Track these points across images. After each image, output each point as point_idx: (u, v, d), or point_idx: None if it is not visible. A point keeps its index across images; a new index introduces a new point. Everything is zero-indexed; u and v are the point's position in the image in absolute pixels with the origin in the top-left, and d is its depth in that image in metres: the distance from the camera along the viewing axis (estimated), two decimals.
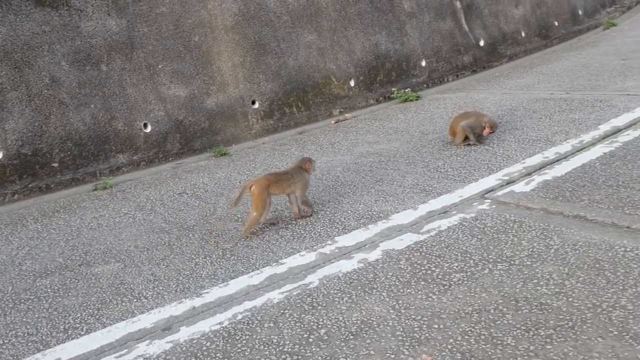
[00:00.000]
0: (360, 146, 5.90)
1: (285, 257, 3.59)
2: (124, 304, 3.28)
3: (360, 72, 7.84)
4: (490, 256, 3.26)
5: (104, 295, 3.41)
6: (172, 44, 6.44)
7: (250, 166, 5.71)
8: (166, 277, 3.53)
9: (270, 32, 7.17)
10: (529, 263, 3.13)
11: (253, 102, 6.94)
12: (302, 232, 3.95)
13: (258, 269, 3.49)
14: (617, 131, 5.10)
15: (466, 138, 5.33)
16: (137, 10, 6.28)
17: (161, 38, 6.38)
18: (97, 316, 3.18)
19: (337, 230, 3.90)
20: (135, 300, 3.30)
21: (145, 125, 6.19)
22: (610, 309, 2.63)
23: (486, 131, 5.29)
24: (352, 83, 7.74)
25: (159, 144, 6.24)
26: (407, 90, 8.01)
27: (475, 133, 5.29)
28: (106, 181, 5.60)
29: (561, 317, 2.63)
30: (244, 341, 2.77)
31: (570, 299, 2.75)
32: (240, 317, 2.99)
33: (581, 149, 4.78)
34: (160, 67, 6.36)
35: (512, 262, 3.16)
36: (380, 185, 4.65)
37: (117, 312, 3.19)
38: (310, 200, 4.36)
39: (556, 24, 10.98)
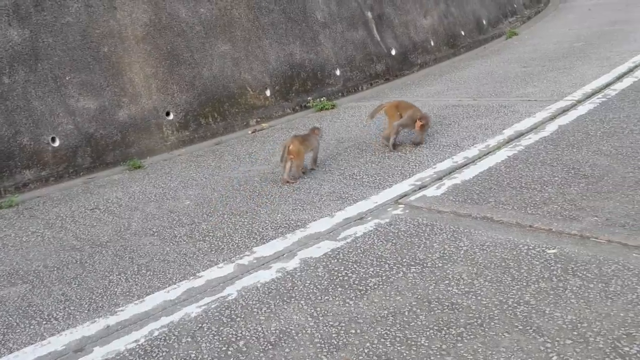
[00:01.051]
0: (277, 156, 5.92)
1: (203, 270, 3.55)
2: (32, 327, 3.14)
3: (276, 81, 7.88)
4: (404, 260, 3.36)
5: (11, 318, 3.24)
6: (80, 55, 6.23)
7: (166, 179, 5.60)
8: (78, 297, 3.40)
9: (183, 43, 7.08)
10: (440, 265, 3.25)
11: (167, 114, 6.82)
12: (220, 243, 3.92)
13: (175, 284, 3.43)
14: (519, 135, 5.38)
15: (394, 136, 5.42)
16: (41, 20, 6.04)
17: (68, 49, 6.16)
18: (3, 341, 3.02)
19: (255, 240, 3.89)
20: (44, 322, 3.16)
21: (53, 140, 5.94)
22: (516, 305, 2.78)
23: (418, 125, 5.39)
24: (268, 93, 7.76)
25: (69, 158, 6.01)
26: (322, 99, 8.11)
27: (400, 131, 5.48)
28: (12, 199, 5.34)
29: (471, 315, 2.75)
30: (161, 358, 2.72)
31: (479, 298, 2.88)
32: (156, 333, 2.93)
33: (487, 153, 5.01)
34: (67, 78, 6.13)
35: (424, 265, 3.27)
36: (298, 194, 4.69)
37: (24, 335, 3.05)
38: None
39: (463, 33, 11.46)
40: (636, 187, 3.85)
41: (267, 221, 4.20)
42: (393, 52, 9.60)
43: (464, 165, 4.81)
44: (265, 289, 3.24)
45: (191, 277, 3.47)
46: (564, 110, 5.96)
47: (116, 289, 3.44)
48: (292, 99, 8.02)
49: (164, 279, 3.51)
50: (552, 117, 5.79)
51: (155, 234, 4.20)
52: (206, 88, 7.16)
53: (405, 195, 4.35)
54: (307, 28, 8.49)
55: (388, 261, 3.36)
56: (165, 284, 3.44)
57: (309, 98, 8.12)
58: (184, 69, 7.01)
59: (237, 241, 3.92)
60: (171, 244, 4.02)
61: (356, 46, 9.05)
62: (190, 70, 7.06)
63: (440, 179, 4.58)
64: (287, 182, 4.99)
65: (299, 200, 4.52)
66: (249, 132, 7.18)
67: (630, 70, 7.28)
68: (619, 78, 6.99)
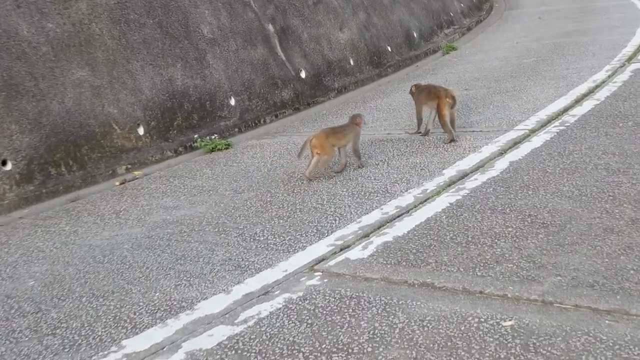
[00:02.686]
0: (154, 214, 5.80)
1: None
2: None
3: (152, 115, 7.79)
4: (324, 346, 3.32)
5: None
6: None
7: (1, 252, 5.35)
8: None
9: (25, 68, 6.89)
10: (370, 349, 3.24)
11: (4, 163, 6.57)
12: (76, 337, 3.75)
13: None
14: (463, 176, 5.55)
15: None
16: None
17: None
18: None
19: (124, 330, 3.75)
20: None
21: None
22: None
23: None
24: (141, 131, 7.65)
25: None
26: (214, 137, 8.09)
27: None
28: None
29: None
30: None
31: None
32: None
33: (425, 200, 5.12)
34: None
35: (350, 351, 3.25)
36: (182, 264, 4.59)
37: None
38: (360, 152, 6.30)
39: (389, 49, 11.86)
40: (605, 235, 4.02)
41: (140, 303, 4.07)
42: (303, 75, 9.76)
43: (397, 216, 4.88)
44: None
45: None
46: (516, 143, 6.22)
47: None
48: (174, 138, 7.95)
49: None
50: (502, 152, 6.02)
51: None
52: (57, 127, 6.97)
53: (323, 259, 4.34)
54: (191, 46, 8.50)
55: (303, 349, 3.32)
56: None
57: (195, 136, 8.07)
58: (26, 102, 6.81)
59: (99, 333, 3.76)
60: (7, 343, 3.80)
61: (255, 68, 9.15)
62: (35, 104, 6.86)
63: (366, 236, 4.62)
64: (309, 179, 6.03)
65: (184, 273, 4.42)
66: (116, 183, 7.03)
67: (591, 92, 7.74)
68: (578, 101, 7.40)
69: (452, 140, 6.60)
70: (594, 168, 5.21)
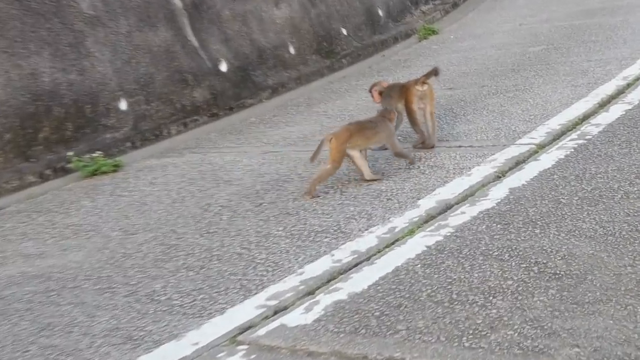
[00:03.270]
0: (10, 265, 5.73)
1: None
2: None
3: (5, 125, 7.70)
4: None
5: None
6: None
7: None
8: None
9: None
10: None
11: None
12: None
13: None
14: (446, 208, 5.60)
15: None
16: None
17: None
18: None
19: None
20: None
21: None
22: None
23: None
24: None
25: None
26: (96, 155, 8.03)
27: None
28: None
29: None
30: None
31: None
32: None
33: (393, 243, 5.15)
34: None
35: None
36: (49, 336, 4.54)
37: None
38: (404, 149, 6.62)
39: (344, 32, 11.97)
40: (638, 288, 4.09)
41: None
42: (223, 67, 9.78)
43: (353, 265, 4.90)
44: None
45: None
46: (518, 163, 6.31)
47: None
48: (39, 157, 7.87)
49: None
50: (499, 175, 6.10)
51: None
52: None
53: (250, 327, 4.33)
54: (64, 27, 8.45)
55: None
56: None
57: (70, 153, 8.01)
58: None
59: None
60: None
61: (156, 58, 9.13)
62: None
63: (311, 293, 4.62)
64: (311, 195, 6.26)
65: (50, 348, 4.37)
66: None
67: (621, 93, 7.92)
68: (604, 105, 7.57)
69: (431, 146, 6.95)
70: (625, 197, 5.31)
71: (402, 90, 7.09)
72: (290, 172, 6.98)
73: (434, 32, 13.32)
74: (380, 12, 13.20)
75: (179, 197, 6.78)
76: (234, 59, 10.00)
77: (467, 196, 5.79)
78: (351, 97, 9.67)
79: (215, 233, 5.81)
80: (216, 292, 4.83)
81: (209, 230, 5.89)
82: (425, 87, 6.94)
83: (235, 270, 5.11)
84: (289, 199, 6.31)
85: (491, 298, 4.24)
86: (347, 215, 5.76)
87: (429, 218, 5.49)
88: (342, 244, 5.26)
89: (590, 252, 4.59)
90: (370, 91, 7.44)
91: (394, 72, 10.42)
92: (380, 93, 7.31)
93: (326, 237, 5.40)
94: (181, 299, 4.80)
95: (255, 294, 4.72)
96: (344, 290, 4.60)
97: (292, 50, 10.88)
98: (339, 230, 5.50)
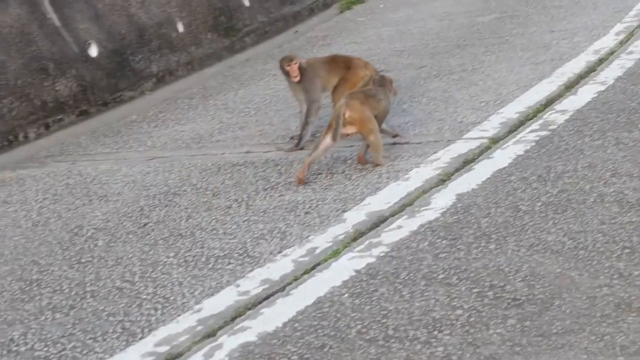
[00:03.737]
0: None
1: None
2: None
3: None
4: None
5: None
6: None
7: None
8: None
9: None
10: None
11: None
12: None
13: None
14: (379, 222, 5.65)
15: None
16: None
17: None
18: None
19: None
20: None
21: None
22: None
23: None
24: None
25: None
26: None
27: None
28: None
29: None
30: None
31: None
32: None
33: (313, 267, 5.17)
34: None
35: None
36: None
37: None
38: None
39: (247, 2, 11.94)
40: (618, 316, 4.15)
41: None
42: (93, 52, 9.71)
43: (264, 298, 4.93)
44: None
45: None
46: (467, 162, 6.40)
47: None
48: None
49: None
50: (443, 179, 6.18)
51: None
52: None
53: None
54: None
55: None
56: None
57: None
58: None
59: None
60: None
61: (6, 41, 9.05)
62: None
63: (211, 335, 4.62)
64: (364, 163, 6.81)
65: None
66: None
67: (592, 71, 8.07)
68: (571, 87, 7.71)
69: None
70: (599, 201, 5.41)
71: (340, 68, 7.29)
72: (182, 183, 6.97)
73: (359, 0, 13.37)
74: None
75: (42, 219, 6.71)
76: (108, 41, 9.91)
77: (404, 206, 5.84)
78: (257, 85, 9.68)
79: (88, 263, 5.78)
80: (91, 337, 4.80)
81: (81, 260, 5.85)
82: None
83: (115, 309, 5.08)
84: (182, 217, 6.30)
85: (436, 332, 4.28)
86: (255, 235, 5.76)
87: (357, 235, 5.52)
88: (250, 271, 5.26)
89: (558, 270, 4.66)
90: (286, 67, 7.46)
91: (310, 52, 10.43)
92: (302, 69, 7.37)
93: (229, 264, 5.41)
94: (46, 348, 4.76)
95: (141, 338, 4.71)
96: (252, 329, 4.61)
97: (180, 27, 10.81)
98: (245, 254, 5.50)
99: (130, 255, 5.79)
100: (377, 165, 6.67)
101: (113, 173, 7.53)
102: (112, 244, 6.02)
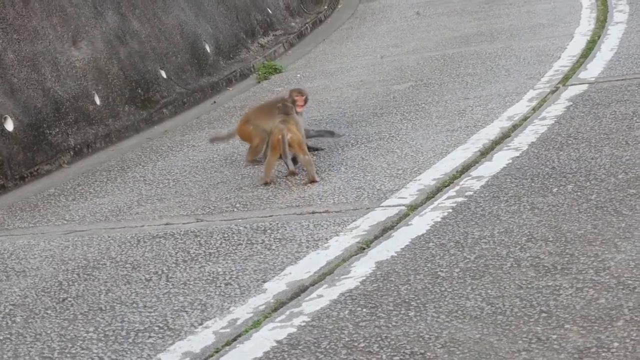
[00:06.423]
0: None
1: None
2: None
3: None
4: None
5: None
6: None
7: None
8: None
9: None
10: None
11: None
12: None
13: None
14: (299, 291, 5.64)
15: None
16: None
17: None
18: None
19: None
20: None
21: None
22: None
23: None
24: None
25: None
26: None
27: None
28: None
29: None
30: None
31: None
32: None
33: (234, 339, 5.12)
34: None
35: None
36: None
37: None
38: None
39: (164, 74, 12.00)
40: None
41: None
42: (9, 126, 9.66)
43: None
44: None
45: None
46: (385, 230, 6.44)
47: None
48: None
49: None
50: (363, 247, 6.20)
51: None
52: None
53: None
54: None
55: None
56: None
57: None
58: None
59: None
60: None
61: None
62: None
63: None
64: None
65: None
66: None
67: (506, 137, 8.19)
68: (486, 153, 7.82)
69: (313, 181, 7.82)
70: (515, 266, 5.46)
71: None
72: (102, 256, 6.92)
73: (276, 69, 13.49)
74: (208, 48, 13.30)
75: None
76: (23, 115, 9.88)
77: (324, 275, 5.85)
78: (176, 156, 9.68)
79: (6, 340, 5.69)
80: None
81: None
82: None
83: None
84: (101, 290, 6.25)
85: None
86: (176, 308, 5.74)
87: (278, 305, 5.51)
88: (171, 344, 5.22)
89: (477, 336, 4.69)
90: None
91: (229, 122, 10.49)
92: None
93: (150, 337, 5.36)
94: None
95: None
96: None
97: (97, 100, 10.82)
98: (166, 327, 5.46)
99: (49, 331, 5.72)
100: (312, 181, 7.83)
101: (31, 248, 7.46)
102: (30, 320, 5.95)
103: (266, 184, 7.99)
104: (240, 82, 13.19)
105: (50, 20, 10.79)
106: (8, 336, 5.76)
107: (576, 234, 5.80)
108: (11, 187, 9.40)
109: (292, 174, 8.11)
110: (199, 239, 6.96)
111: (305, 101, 8.51)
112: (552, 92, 9.49)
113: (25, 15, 10.50)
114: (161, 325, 5.52)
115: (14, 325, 5.94)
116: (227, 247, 6.69)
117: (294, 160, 8.11)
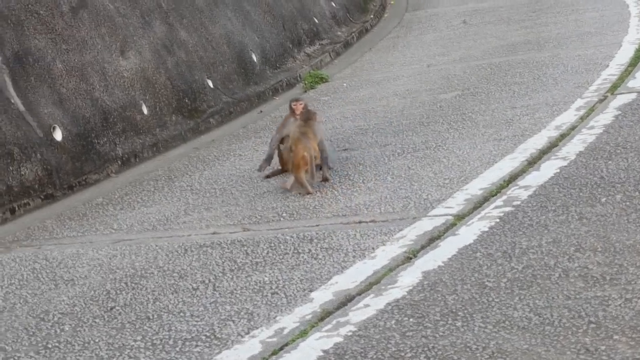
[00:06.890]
0: None
1: None
2: None
3: None
4: None
5: None
6: None
7: None
8: None
9: None
10: None
11: None
12: None
13: None
14: (346, 301, 5.63)
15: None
16: None
17: None
18: None
19: None
20: None
21: None
22: None
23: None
24: None
25: None
26: None
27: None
28: None
29: None
30: None
31: None
32: None
33: (281, 348, 5.10)
34: None
35: None
36: None
37: None
38: None
39: (211, 84, 12.02)
40: None
41: None
42: (58, 136, 9.71)
43: None
44: None
45: None
46: (432, 239, 6.42)
47: None
48: None
49: None
50: (409, 256, 6.18)
51: None
52: None
53: None
54: None
55: None
56: None
57: None
58: None
59: None
60: None
61: None
62: None
63: None
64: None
65: None
66: None
67: (553, 146, 8.13)
68: (534, 163, 7.76)
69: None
70: (564, 276, 5.42)
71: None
72: (149, 265, 6.95)
73: (322, 79, 13.48)
74: (255, 58, 13.31)
75: (7, 305, 6.65)
76: (72, 125, 9.93)
77: (371, 284, 5.83)
78: (223, 165, 9.69)
79: (55, 348, 5.73)
80: None
81: (47, 345, 5.80)
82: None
83: None
84: (149, 299, 6.27)
85: None
86: (223, 317, 5.74)
87: (325, 314, 5.50)
88: (218, 353, 5.23)
89: (525, 346, 4.66)
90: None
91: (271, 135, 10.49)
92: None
93: (197, 346, 5.37)
94: None
95: None
96: None
97: (145, 110, 10.86)
98: (212, 336, 5.47)
99: (97, 340, 5.74)
100: (325, 179, 8.37)
101: (79, 257, 7.49)
102: (78, 329, 5.97)
103: (309, 193, 8.03)
104: (286, 92, 13.19)
105: (99, 30, 10.85)
106: (57, 344, 5.78)
107: (625, 244, 5.75)
108: (60, 197, 9.45)
109: (325, 179, 8.35)
110: (245, 248, 6.96)
111: (304, 108, 8.68)
112: (600, 100, 9.41)
113: (74, 26, 10.57)
114: (208, 334, 5.53)
115: (62, 333, 5.97)
116: (274, 256, 6.70)
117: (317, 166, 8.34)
